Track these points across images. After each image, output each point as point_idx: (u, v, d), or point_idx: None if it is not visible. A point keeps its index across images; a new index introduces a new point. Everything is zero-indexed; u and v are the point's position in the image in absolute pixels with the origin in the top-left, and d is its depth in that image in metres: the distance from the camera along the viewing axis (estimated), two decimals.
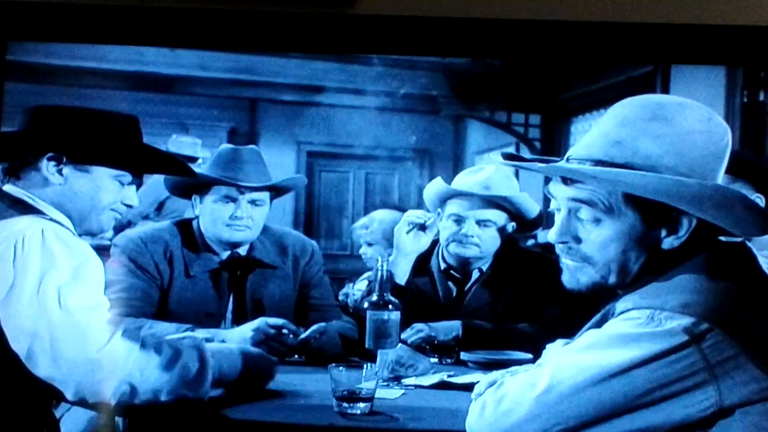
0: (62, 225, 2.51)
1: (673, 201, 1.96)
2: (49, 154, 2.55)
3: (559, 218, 2.11)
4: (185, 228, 3.31)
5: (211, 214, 3.28)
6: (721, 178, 2.04)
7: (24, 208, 2.52)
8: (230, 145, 3.43)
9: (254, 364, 2.64)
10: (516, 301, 3.36)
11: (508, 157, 2.28)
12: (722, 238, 2.04)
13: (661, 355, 1.86)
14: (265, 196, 3.32)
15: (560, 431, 1.93)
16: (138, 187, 2.70)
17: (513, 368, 2.18)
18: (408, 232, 3.33)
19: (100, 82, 3.74)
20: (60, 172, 2.55)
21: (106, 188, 2.60)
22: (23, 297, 2.35)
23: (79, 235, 2.58)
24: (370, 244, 4.05)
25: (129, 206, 2.68)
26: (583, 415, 1.91)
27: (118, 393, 2.34)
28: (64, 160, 2.55)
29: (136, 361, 2.36)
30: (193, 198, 3.33)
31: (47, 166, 2.55)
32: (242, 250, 3.32)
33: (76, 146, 2.56)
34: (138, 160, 2.66)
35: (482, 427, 2.02)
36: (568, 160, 2.09)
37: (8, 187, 2.56)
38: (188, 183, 3.29)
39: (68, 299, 2.36)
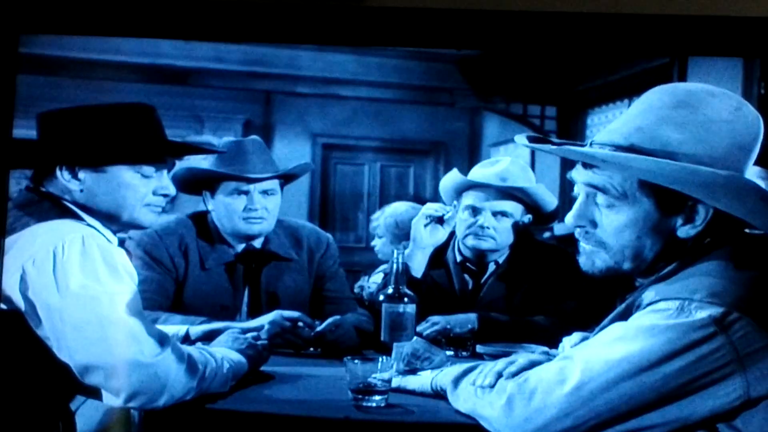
0: (99, 231, 2.49)
1: (683, 188, 1.94)
2: (60, 164, 2.53)
3: (577, 202, 2.10)
4: (200, 221, 3.31)
5: (225, 209, 3.27)
6: (748, 169, 2.02)
7: (63, 211, 2.50)
8: (232, 138, 3.43)
9: (255, 356, 2.65)
10: (532, 293, 3.35)
11: (533, 139, 2.26)
12: (748, 230, 2.02)
13: (691, 347, 1.85)
14: (275, 184, 3.31)
15: (592, 426, 1.92)
16: (169, 171, 2.66)
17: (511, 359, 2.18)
18: (426, 226, 3.31)
19: (115, 75, 3.74)
20: (76, 177, 2.53)
21: (128, 184, 2.57)
22: (70, 308, 2.33)
23: (117, 233, 2.58)
24: (380, 237, 4.05)
25: (165, 195, 2.64)
26: (615, 410, 1.90)
27: (163, 401, 2.35)
28: (76, 167, 2.53)
29: (184, 374, 2.36)
30: (203, 194, 3.32)
31: (62, 175, 2.53)
32: (257, 243, 3.32)
33: (83, 151, 2.54)
34: (149, 151, 2.63)
35: (512, 424, 2.00)
36: (591, 144, 2.09)
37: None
38: (196, 180, 3.29)
39: (118, 308, 2.36)
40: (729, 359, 1.84)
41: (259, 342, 2.74)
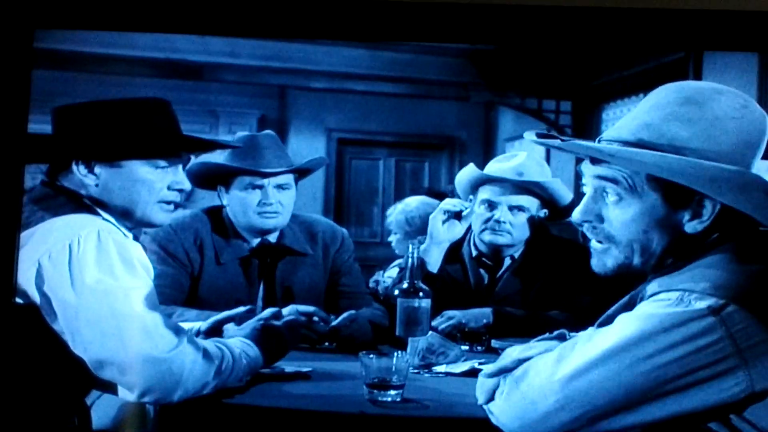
0: (115, 225, 2.49)
1: (690, 182, 1.94)
2: (76, 159, 2.53)
3: (585, 198, 2.10)
4: (215, 215, 3.31)
5: (240, 204, 3.27)
6: (755, 165, 2.02)
7: (78, 205, 2.50)
8: (246, 133, 3.43)
9: (269, 345, 2.65)
10: (547, 288, 3.34)
11: (541, 135, 2.26)
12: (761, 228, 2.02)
13: (688, 337, 1.84)
14: (289, 179, 3.30)
15: (590, 419, 1.91)
16: (184, 166, 2.66)
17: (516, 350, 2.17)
18: (444, 222, 3.31)
19: (130, 70, 3.75)
20: (92, 171, 2.53)
21: (143, 179, 2.56)
22: (85, 303, 2.34)
23: (131, 229, 2.57)
24: (394, 233, 4.05)
25: (181, 190, 2.63)
26: (613, 402, 1.89)
27: (177, 395, 2.35)
28: (92, 161, 2.53)
29: (199, 368, 2.36)
30: (218, 189, 3.32)
31: (78, 170, 2.52)
32: (272, 238, 3.32)
33: (99, 146, 2.54)
34: (164, 146, 2.62)
35: (510, 417, 2.01)
36: (600, 141, 2.09)
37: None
38: (210, 175, 3.29)
39: (133, 303, 2.36)
40: (728, 352, 1.83)
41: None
